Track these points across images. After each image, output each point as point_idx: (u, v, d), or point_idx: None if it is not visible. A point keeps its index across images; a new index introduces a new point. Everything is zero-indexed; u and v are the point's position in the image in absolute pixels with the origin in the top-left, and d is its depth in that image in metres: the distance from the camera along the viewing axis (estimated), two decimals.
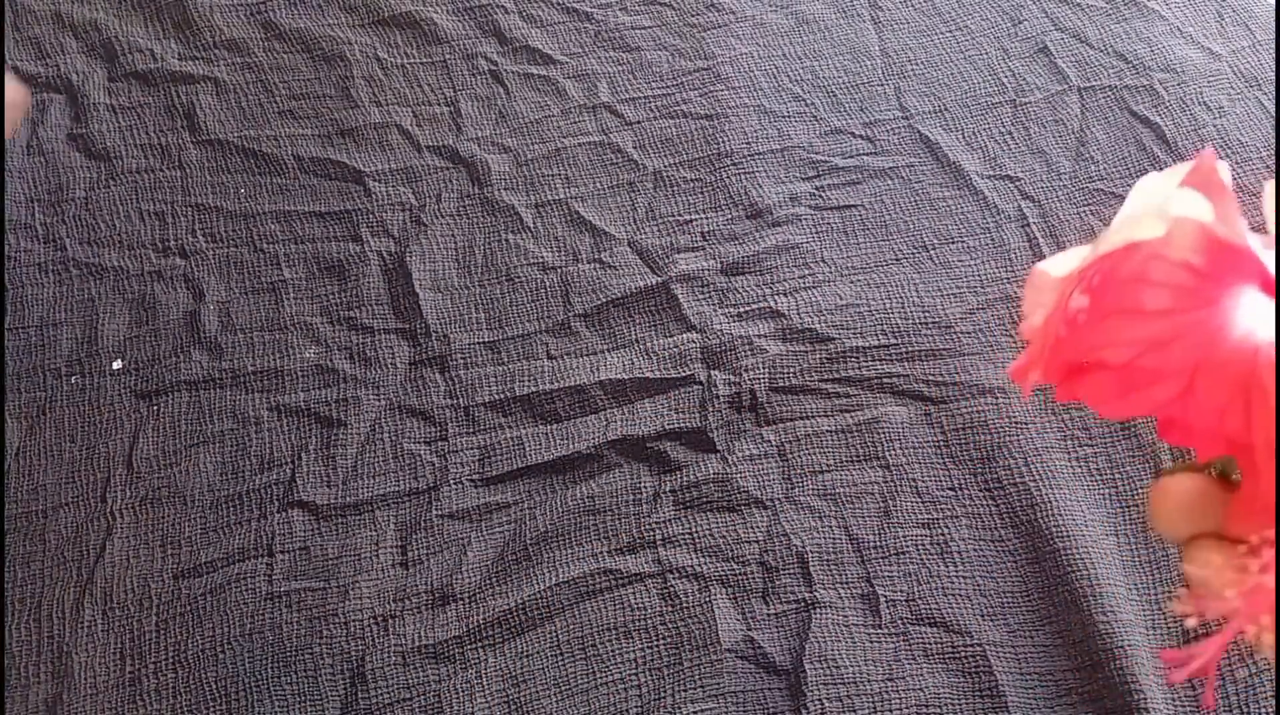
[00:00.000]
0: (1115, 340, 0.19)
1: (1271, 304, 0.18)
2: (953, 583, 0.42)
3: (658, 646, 0.41)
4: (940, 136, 0.54)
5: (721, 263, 0.50)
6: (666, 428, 0.45)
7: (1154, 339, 0.18)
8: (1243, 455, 0.18)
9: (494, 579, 0.42)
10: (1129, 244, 0.19)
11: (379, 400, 0.46)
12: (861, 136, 0.55)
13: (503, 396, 0.47)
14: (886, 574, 0.42)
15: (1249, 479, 0.19)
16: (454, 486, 0.44)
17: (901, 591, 0.42)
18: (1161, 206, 0.19)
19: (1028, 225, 0.51)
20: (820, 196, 0.52)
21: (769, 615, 0.41)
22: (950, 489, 0.44)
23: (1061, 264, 0.20)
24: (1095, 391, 0.19)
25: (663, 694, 0.40)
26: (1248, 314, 0.18)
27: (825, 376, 0.47)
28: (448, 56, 0.58)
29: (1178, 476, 0.20)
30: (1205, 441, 0.19)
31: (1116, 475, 0.44)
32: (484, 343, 0.48)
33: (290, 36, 0.58)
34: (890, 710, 0.39)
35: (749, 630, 0.41)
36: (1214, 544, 0.20)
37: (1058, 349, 0.19)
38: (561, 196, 0.53)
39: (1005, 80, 0.57)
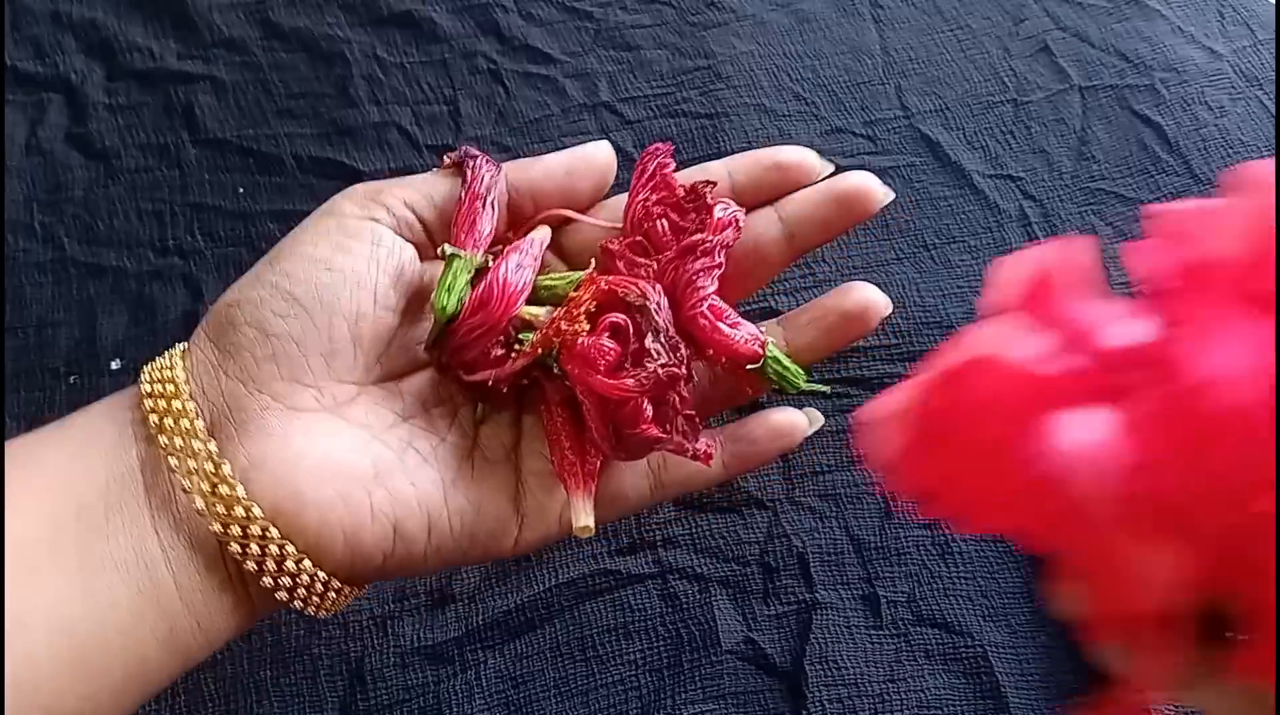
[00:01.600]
0: (958, 469, 0.20)
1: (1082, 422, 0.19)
2: (954, 584, 0.42)
3: (657, 647, 0.41)
4: (941, 135, 0.54)
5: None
6: None
7: (981, 469, 0.20)
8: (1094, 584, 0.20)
9: (493, 580, 0.42)
10: (955, 377, 0.21)
11: None
12: (862, 135, 0.55)
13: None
14: (887, 575, 0.42)
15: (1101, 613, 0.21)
16: None
17: (902, 592, 0.42)
18: (981, 343, 0.21)
19: (1029, 225, 0.51)
20: None
21: (769, 616, 0.41)
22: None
23: (890, 403, 0.22)
24: (950, 513, 0.21)
25: (663, 695, 0.40)
26: (1071, 436, 0.19)
27: (825, 376, 0.47)
28: (447, 55, 0.58)
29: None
30: (1052, 554, 0.21)
31: None
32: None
33: (289, 35, 0.58)
34: (891, 711, 0.39)
35: (749, 631, 0.41)
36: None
37: (908, 477, 0.21)
38: None
39: (1006, 79, 0.56)
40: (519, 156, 0.54)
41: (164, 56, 0.58)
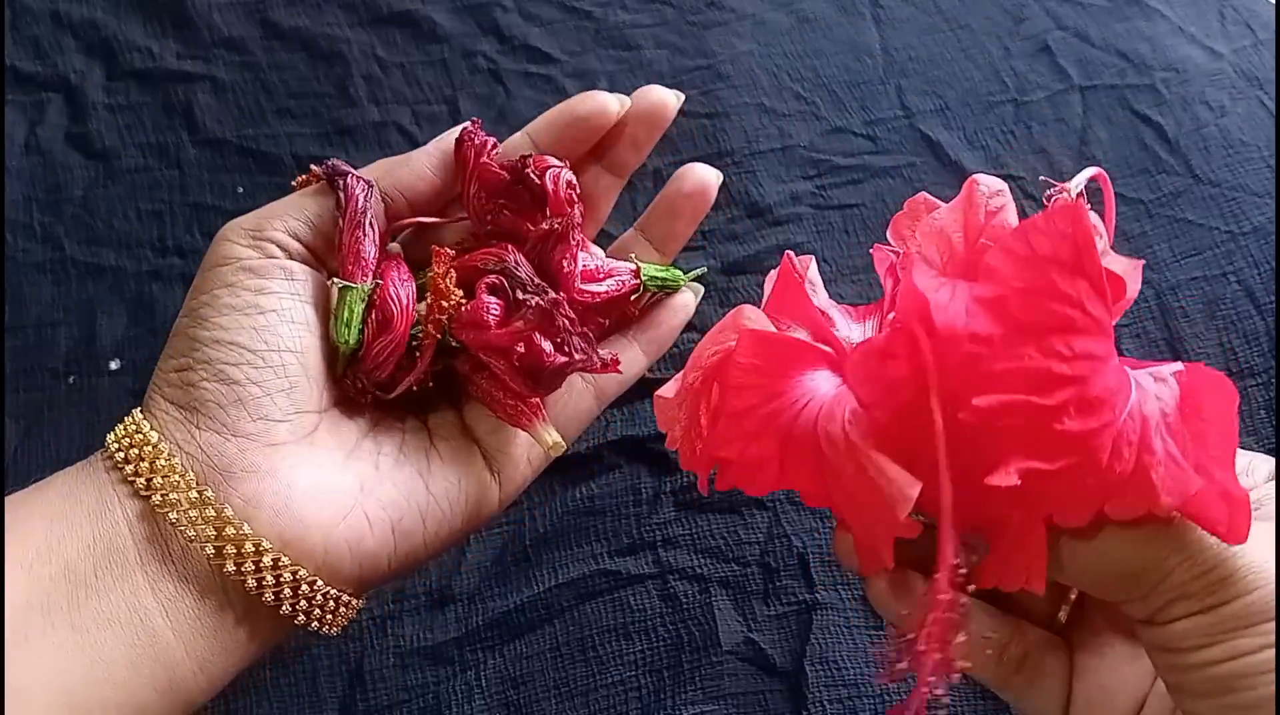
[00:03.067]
0: (726, 437, 0.23)
1: (826, 384, 0.23)
2: None
3: (658, 648, 0.41)
4: (942, 135, 0.54)
5: (722, 261, 0.50)
6: None
7: (750, 431, 0.23)
8: (841, 512, 0.23)
9: (493, 580, 0.42)
10: (722, 357, 0.24)
11: None
12: (863, 135, 0.54)
13: None
14: None
15: (851, 526, 0.24)
16: None
17: None
18: (730, 323, 0.25)
19: None
20: (821, 195, 0.52)
21: (769, 616, 0.41)
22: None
23: (671, 388, 0.25)
24: (732, 480, 0.24)
25: (663, 696, 0.40)
26: (810, 397, 0.22)
27: None
28: (446, 55, 0.58)
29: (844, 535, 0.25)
30: (821, 504, 0.23)
31: None
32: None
33: (289, 35, 0.58)
34: None
35: (749, 632, 0.41)
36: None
37: (695, 458, 0.24)
38: None
39: (1007, 79, 0.56)
40: None
41: (163, 56, 0.57)
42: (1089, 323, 0.20)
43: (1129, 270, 0.24)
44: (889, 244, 0.27)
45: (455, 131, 0.32)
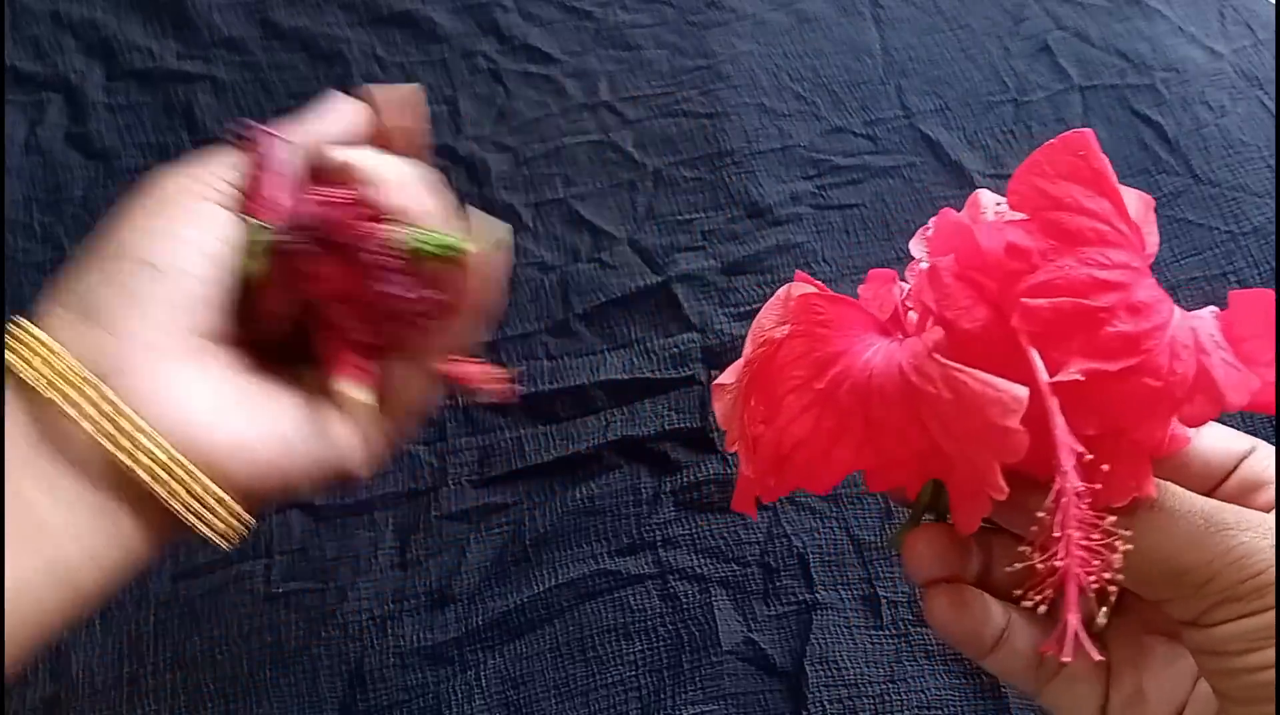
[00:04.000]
0: (795, 415, 0.22)
1: (885, 342, 0.22)
2: None
3: (658, 648, 0.41)
4: (942, 135, 0.54)
5: (722, 262, 0.50)
6: (666, 428, 0.45)
7: (819, 399, 0.21)
8: (936, 462, 0.21)
9: (493, 580, 0.42)
10: (768, 342, 0.23)
11: None
12: (863, 135, 0.54)
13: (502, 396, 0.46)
14: (888, 575, 0.42)
15: (950, 476, 0.22)
16: (453, 487, 0.44)
17: (903, 592, 0.42)
18: (781, 303, 0.24)
19: None
20: (821, 195, 0.52)
21: (769, 616, 0.41)
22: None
23: (731, 375, 0.24)
24: (802, 471, 0.22)
25: (663, 696, 0.40)
26: (876, 350, 0.21)
27: None
28: (446, 55, 0.58)
29: (919, 527, 0.24)
30: (904, 470, 0.22)
31: None
32: (483, 342, 0.48)
33: (288, 35, 0.58)
34: (892, 711, 0.39)
35: (749, 632, 0.41)
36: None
37: (761, 448, 0.23)
38: (561, 195, 0.52)
39: (1007, 79, 0.56)
40: (519, 156, 0.54)
41: (163, 56, 0.57)
42: (1120, 237, 0.20)
43: (1141, 206, 0.23)
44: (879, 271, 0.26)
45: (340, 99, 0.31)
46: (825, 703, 0.39)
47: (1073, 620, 0.20)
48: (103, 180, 0.53)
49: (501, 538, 0.43)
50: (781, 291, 0.24)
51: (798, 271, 0.25)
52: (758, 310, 0.52)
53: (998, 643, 0.24)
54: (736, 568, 0.42)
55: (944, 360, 0.20)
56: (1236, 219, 0.51)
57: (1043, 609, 0.20)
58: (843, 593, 0.42)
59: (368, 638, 0.41)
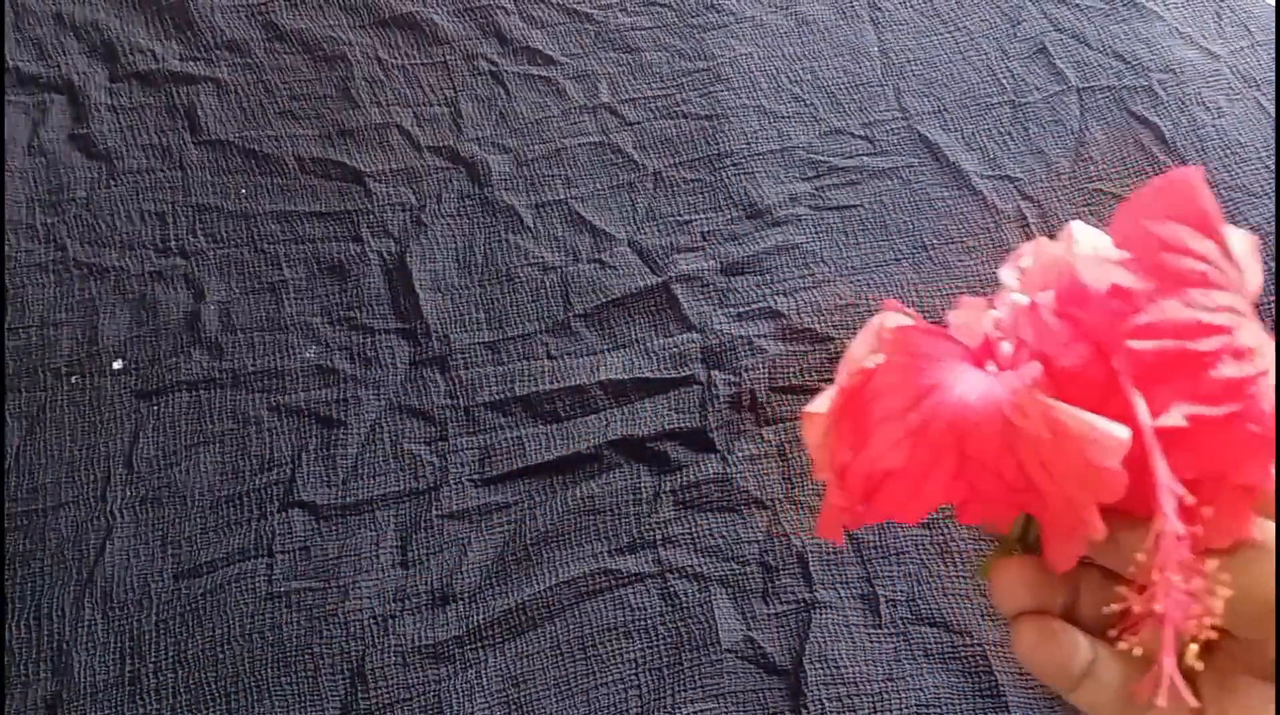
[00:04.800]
0: (887, 447, 0.22)
1: (981, 374, 0.22)
2: (953, 583, 0.42)
3: (658, 647, 0.41)
4: (939, 137, 0.55)
5: (721, 263, 0.50)
6: (666, 428, 0.45)
7: (913, 431, 0.21)
8: (1030, 497, 0.21)
9: (494, 579, 0.42)
10: (861, 372, 0.22)
11: (379, 400, 0.46)
12: (861, 137, 0.55)
13: (503, 396, 0.47)
14: (886, 574, 0.42)
15: (1044, 512, 0.21)
16: (454, 486, 0.44)
17: (902, 591, 0.42)
18: (874, 333, 0.23)
19: (1027, 225, 0.52)
20: (820, 197, 0.53)
21: (769, 615, 0.41)
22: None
23: (823, 402, 0.23)
24: (892, 501, 0.22)
25: (663, 694, 0.40)
26: (972, 384, 0.21)
27: (825, 376, 0.47)
28: (448, 57, 0.58)
29: (1009, 559, 0.24)
30: (997, 504, 0.22)
31: None
32: (484, 343, 0.48)
33: (291, 37, 0.59)
34: (890, 710, 0.39)
35: (749, 630, 0.41)
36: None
37: (850, 477, 0.22)
38: (561, 196, 0.53)
39: (1004, 81, 0.57)
40: (519, 157, 0.55)
41: (166, 58, 0.58)
42: (1224, 279, 0.20)
43: (1248, 246, 0.23)
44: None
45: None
46: (824, 701, 0.39)
47: (1169, 665, 0.19)
48: (105, 181, 0.54)
49: (502, 536, 0.43)
50: (874, 320, 0.24)
51: (888, 300, 0.24)
52: (757, 311, 0.52)
53: (1083, 677, 0.23)
54: (736, 566, 0.42)
55: (1044, 398, 0.20)
56: (1234, 220, 0.51)
57: (1138, 651, 0.20)
58: (842, 592, 0.42)
59: (369, 636, 0.41)
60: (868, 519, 0.23)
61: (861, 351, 0.23)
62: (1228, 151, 0.53)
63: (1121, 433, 0.19)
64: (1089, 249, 0.23)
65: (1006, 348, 0.22)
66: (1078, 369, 0.20)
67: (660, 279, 0.50)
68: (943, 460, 0.21)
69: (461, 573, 0.42)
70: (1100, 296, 0.20)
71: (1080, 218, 0.56)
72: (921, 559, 0.42)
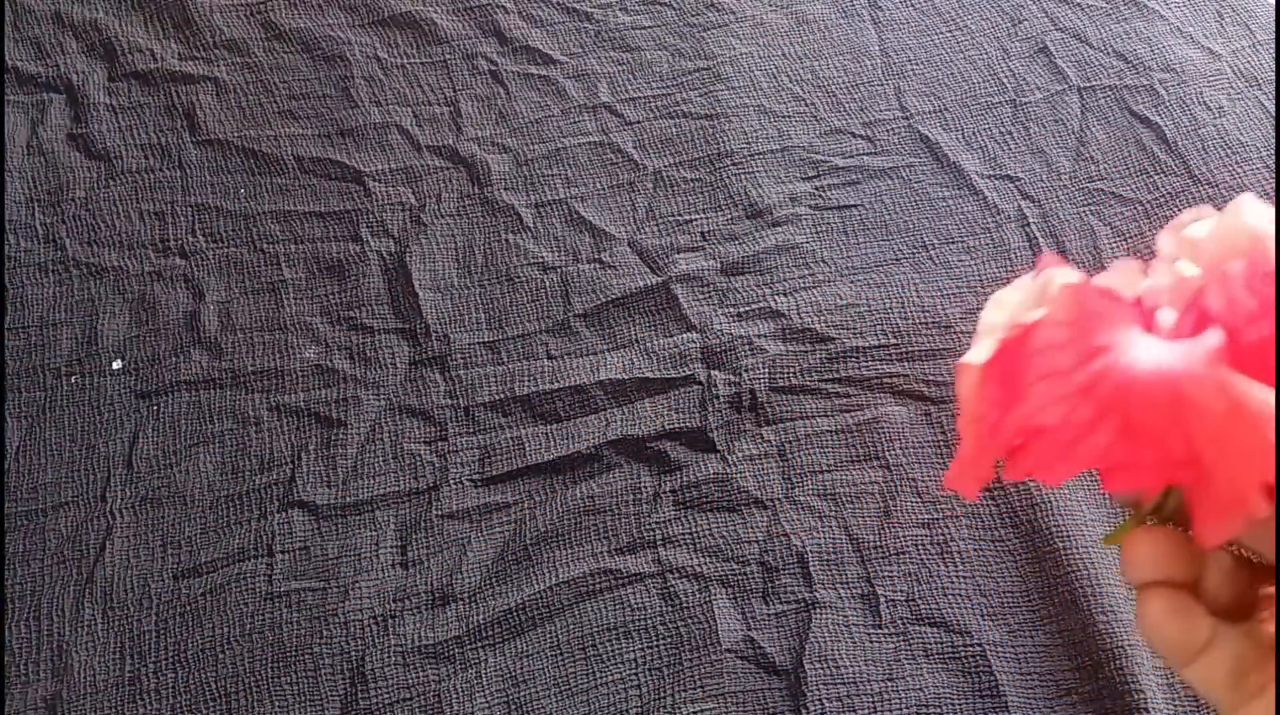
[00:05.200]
0: (1045, 403, 0.21)
1: (1154, 341, 0.21)
2: (953, 583, 0.42)
3: (658, 646, 0.41)
4: (940, 136, 0.54)
5: (721, 263, 0.50)
6: (666, 428, 0.45)
7: (1077, 390, 0.21)
8: (1187, 470, 0.20)
9: (494, 579, 0.42)
10: (1019, 328, 0.22)
11: (379, 400, 0.46)
12: (861, 136, 0.55)
13: (503, 396, 0.47)
14: (886, 574, 0.42)
15: (1202, 487, 0.21)
16: (454, 486, 0.44)
17: (901, 591, 0.42)
18: (1038, 288, 0.23)
19: (1027, 225, 0.51)
20: (820, 196, 0.52)
21: (769, 615, 0.41)
22: (950, 489, 0.44)
23: (978, 353, 0.23)
24: (1039, 459, 0.22)
25: (663, 694, 0.40)
26: (1145, 349, 0.21)
27: (825, 376, 0.47)
28: (448, 56, 0.58)
29: (1144, 528, 0.23)
30: (1149, 473, 0.21)
31: None
32: (484, 343, 0.48)
33: (290, 36, 0.58)
34: (890, 710, 0.39)
35: (749, 630, 0.41)
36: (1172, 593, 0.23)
37: (994, 433, 0.22)
38: (561, 196, 0.53)
39: (1005, 80, 0.57)
40: (519, 157, 0.54)
41: (165, 57, 0.58)
42: None
43: None
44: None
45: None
46: (824, 700, 0.39)
47: None
48: (104, 180, 0.54)
49: (502, 536, 0.43)
50: (1037, 275, 0.23)
51: (1048, 252, 0.24)
52: (757, 310, 0.52)
53: (1200, 654, 0.23)
54: (736, 566, 0.42)
55: (1225, 370, 0.19)
56: None
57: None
58: (842, 592, 0.42)
59: (369, 636, 0.41)
60: (1009, 476, 0.22)
61: (1020, 306, 0.22)
62: (1228, 151, 0.53)
63: None
64: (1265, 222, 0.22)
65: (1166, 316, 0.22)
66: (1260, 344, 0.19)
67: (660, 279, 0.50)
68: (1104, 423, 0.20)
69: (461, 573, 0.42)
70: None
71: (1081, 217, 0.56)
72: (921, 559, 0.42)
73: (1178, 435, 0.20)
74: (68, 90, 0.56)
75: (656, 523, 0.43)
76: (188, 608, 0.41)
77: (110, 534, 0.43)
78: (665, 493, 0.44)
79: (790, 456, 0.45)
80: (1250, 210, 0.23)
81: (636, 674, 0.40)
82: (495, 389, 0.47)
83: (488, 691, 0.40)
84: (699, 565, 0.42)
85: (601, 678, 0.40)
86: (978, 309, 0.49)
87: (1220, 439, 0.20)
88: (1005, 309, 0.23)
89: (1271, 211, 0.22)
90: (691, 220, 0.52)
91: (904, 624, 0.41)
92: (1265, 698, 0.23)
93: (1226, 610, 0.22)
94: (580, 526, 0.43)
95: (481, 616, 0.41)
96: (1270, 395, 0.19)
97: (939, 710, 0.39)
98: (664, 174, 0.53)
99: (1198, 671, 0.23)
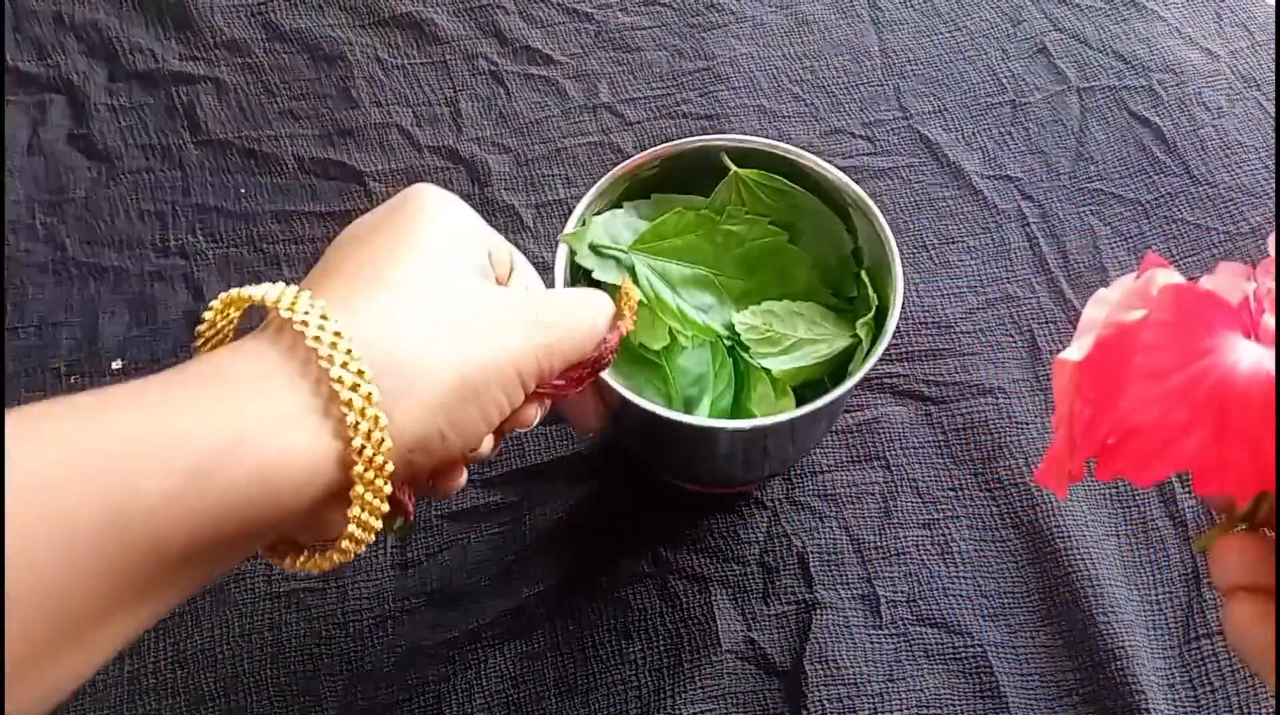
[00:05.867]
0: (1143, 403, 0.21)
1: (1255, 346, 0.21)
2: (953, 583, 0.42)
3: (657, 647, 0.41)
4: (940, 136, 0.55)
5: None
6: None
7: (1175, 391, 0.21)
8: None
9: (493, 579, 0.42)
10: (1119, 328, 0.22)
11: None
12: (861, 136, 0.55)
13: None
14: (887, 574, 0.42)
15: None
16: None
17: (902, 592, 0.42)
18: (1140, 289, 0.23)
19: (1027, 225, 0.52)
20: None
21: (769, 616, 0.41)
22: (950, 489, 0.44)
23: (1076, 351, 0.23)
24: (1132, 459, 0.22)
25: (662, 694, 0.40)
26: (1245, 353, 0.21)
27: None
28: (448, 57, 0.58)
29: (1234, 534, 0.24)
30: (1241, 478, 0.21)
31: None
32: None
33: (291, 37, 0.59)
34: (890, 711, 0.39)
35: (749, 631, 0.41)
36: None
37: (1089, 431, 0.22)
38: (561, 196, 0.53)
39: (1005, 80, 0.57)
40: (519, 157, 0.54)
41: (166, 58, 0.58)
42: None
43: None
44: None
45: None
46: (824, 701, 0.39)
47: None
48: (105, 181, 0.54)
49: (502, 536, 0.43)
50: (1141, 276, 0.23)
51: (1151, 254, 0.24)
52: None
53: None
54: (736, 567, 0.42)
55: None
56: (1234, 220, 0.51)
57: None
58: (842, 592, 0.42)
59: (368, 636, 0.41)
60: (1100, 475, 0.22)
61: (1120, 306, 0.22)
62: (1228, 151, 0.53)
63: None
64: None
65: (1269, 321, 0.22)
66: None
67: None
68: (1200, 425, 0.21)
69: (461, 573, 0.42)
70: None
71: (1081, 217, 0.56)
72: (921, 559, 0.42)
73: (1272, 440, 0.20)
74: (68, 90, 0.56)
75: (657, 523, 0.43)
76: (187, 607, 0.41)
77: None
78: (666, 493, 0.44)
79: None
80: None
81: (636, 674, 0.40)
82: None
83: (487, 692, 0.40)
84: (699, 565, 0.42)
85: (601, 678, 0.40)
86: (978, 309, 0.51)
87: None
88: (1104, 307, 0.23)
89: None
90: None
91: (904, 624, 0.41)
92: None
93: None
94: (580, 526, 0.43)
95: (481, 617, 0.41)
96: None
97: (939, 711, 0.39)
98: None
99: None
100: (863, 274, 0.40)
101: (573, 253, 0.38)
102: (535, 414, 0.32)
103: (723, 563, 0.42)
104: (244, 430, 0.23)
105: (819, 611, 0.41)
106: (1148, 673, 0.39)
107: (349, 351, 0.24)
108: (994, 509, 0.43)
